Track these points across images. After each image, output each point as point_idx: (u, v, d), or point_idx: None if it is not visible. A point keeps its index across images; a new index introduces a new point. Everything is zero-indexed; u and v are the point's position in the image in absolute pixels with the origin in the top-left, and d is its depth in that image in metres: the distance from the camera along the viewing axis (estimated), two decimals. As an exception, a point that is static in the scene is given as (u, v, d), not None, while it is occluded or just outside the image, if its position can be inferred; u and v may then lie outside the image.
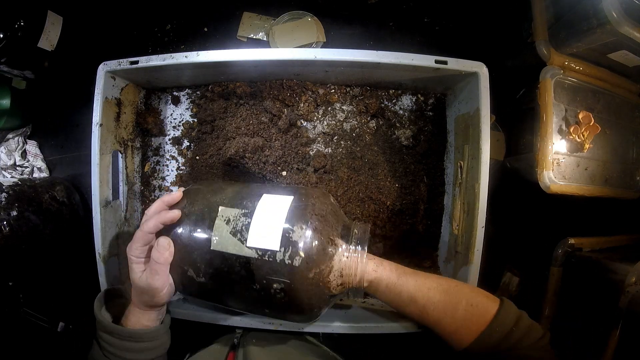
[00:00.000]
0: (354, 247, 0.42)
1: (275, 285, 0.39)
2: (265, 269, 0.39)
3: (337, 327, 0.54)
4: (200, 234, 0.42)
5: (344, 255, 0.42)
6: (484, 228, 0.52)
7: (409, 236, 0.65)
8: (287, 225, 0.40)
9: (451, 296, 0.41)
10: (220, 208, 0.43)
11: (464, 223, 0.57)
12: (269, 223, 0.40)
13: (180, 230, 0.43)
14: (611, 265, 0.60)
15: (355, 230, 0.44)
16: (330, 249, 0.41)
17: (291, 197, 0.43)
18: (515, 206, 0.76)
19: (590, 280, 0.62)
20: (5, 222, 0.60)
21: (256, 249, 0.40)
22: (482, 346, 0.39)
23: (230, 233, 0.41)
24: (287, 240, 0.39)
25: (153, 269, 0.42)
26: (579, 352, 0.64)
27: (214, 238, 0.41)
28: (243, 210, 0.42)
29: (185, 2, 0.78)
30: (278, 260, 0.39)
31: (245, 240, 0.40)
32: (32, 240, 0.64)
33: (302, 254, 0.39)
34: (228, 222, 0.41)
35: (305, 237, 0.39)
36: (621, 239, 0.74)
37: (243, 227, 0.41)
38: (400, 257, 0.65)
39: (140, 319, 0.46)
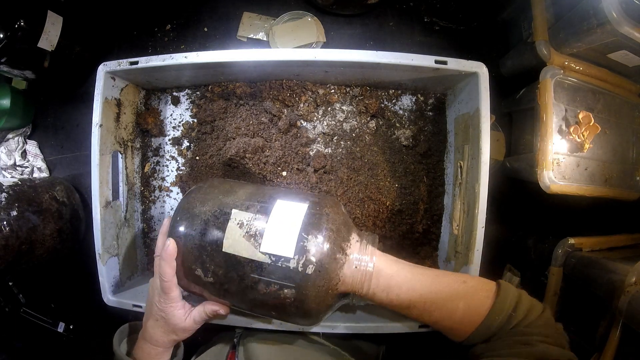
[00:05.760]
0: (362, 257, 0.43)
1: (285, 291, 0.40)
2: (278, 274, 0.40)
3: (338, 327, 0.54)
4: (211, 235, 0.42)
5: (353, 265, 0.42)
6: (484, 228, 0.52)
7: (409, 236, 0.65)
8: (302, 234, 0.41)
9: (449, 303, 0.41)
10: (233, 211, 0.43)
11: (464, 223, 0.57)
12: (283, 230, 0.41)
13: (190, 229, 0.43)
14: (611, 265, 0.60)
15: (364, 240, 0.44)
16: (341, 258, 0.42)
17: (306, 205, 0.43)
18: (515, 206, 0.76)
19: (590, 280, 0.62)
20: (5, 222, 0.60)
21: (270, 255, 0.40)
22: (482, 334, 0.40)
23: (243, 237, 0.41)
24: (301, 249, 0.40)
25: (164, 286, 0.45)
26: (579, 352, 0.64)
27: (226, 241, 0.41)
28: (257, 215, 0.42)
29: (185, 2, 0.78)
30: (291, 267, 0.40)
31: (259, 245, 0.41)
32: (32, 240, 0.64)
33: (315, 263, 0.40)
34: (241, 225, 0.42)
35: (319, 247, 0.40)
36: (621, 239, 0.73)
37: (257, 232, 0.41)
38: (400, 257, 0.65)
39: (158, 355, 0.48)
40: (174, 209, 0.50)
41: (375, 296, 0.43)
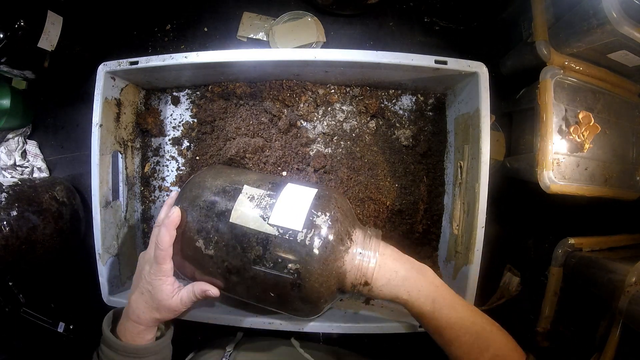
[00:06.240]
0: (365, 251, 0.43)
1: (290, 265, 0.40)
2: (284, 247, 0.40)
3: (338, 327, 0.54)
4: (219, 205, 0.43)
5: (358, 253, 0.42)
6: (484, 228, 0.52)
7: (409, 236, 0.65)
8: (311, 210, 0.42)
9: (480, 341, 0.40)
10: (245, 186, 0.44)
11: (464, 223, 0.57)
12: (294, 205, 0.42)
13: (199, 199, 0.44)
14: (611, 265, 0.60)
15: (369, 232, 0.45)
16: (347, 242, 0.42)
17: (315, 190, 0.45)
18: (515, 206, 0.76)
19: (590, 280, 0.62)
20: (5, 222, 0.60)
21: (278, 227, 0.41)
22: None
23: (252, 209, 0.42)
24: (310, 223, 0.41)
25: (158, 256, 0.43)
26: (579, 352, 0.64)
27: (234, 212, 0.42)
28: (268, 192, 0.44)
29: (185, 2, 0.78)
30: (298, 240, 0.40)
31: (268, 217, 0.41)
32: (32, 240, 0.64)
33: (322, 238, 0.40)
34: (252, 199, 0.43)
35: (328, 224, 0.41)
36: (621, 239, 0.74)
37: (267, 206, 0.42)
38: (400, 257, 0.65)
39: (140, 334, 0.46)
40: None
41: (420, 301, 0.41)
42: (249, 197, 0.43)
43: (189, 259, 0.44)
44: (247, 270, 0.42)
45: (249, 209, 0.42)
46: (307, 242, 0.40)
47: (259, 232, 0.41)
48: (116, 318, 0.49)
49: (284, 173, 0.62)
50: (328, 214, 0.42)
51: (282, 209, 0.42)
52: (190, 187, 0.45)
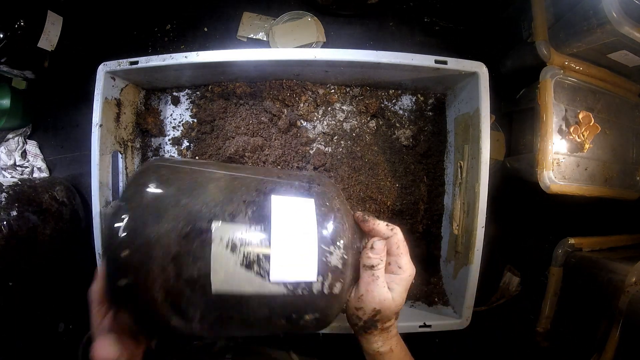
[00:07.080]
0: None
1: (307, 317, 0.32)
2: (298, 304, 0.32)
3: (338, 327, 0.54)
4: (186, 270, 0.29)
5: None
6: (484, 228, 0.52)
7: (409, 236, 0.65)
8: (321, 246, 0.32)
9: None
10: (213, 225, 0.30)
11: (464, 223, 0.57)
12: (296, 245, 0.31)
13: (149, 260, 0.28)
14: (611, 265, 0.60)
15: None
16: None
17: (311, 201, 0.34)
18: (515, 206, 0.76)
19: (590, 280, 0.62)
20: (5, 222, 0.60)
21: (285, 284, 0.31)
22: None
23: (241, 265, 0.30)
24: (324, 266, 0.32)
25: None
26: (579, 352, 0.64)
27: (215, 276, 0.29)
28: (251, 226, 0.31)
29: (185, 2, 0.78)
30: (315, 292, 0.31)
31: (267, 273, 0.30)
32: (32, 240, 0.64)
33: (343, 280, 0.32)
34: (233, 248, 0.30)
35: (343, 259, 0.32)
36: (621, 239, 0.74)
37: (260, 256, 0.30)
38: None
39: None
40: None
41: None
42: (227, 246, 0.29)
43: (172, 333, 0.31)
44: (250, 328, 0.34)
45: (235, 267, 0.29)
46: (325, 291, 0.32)
47: (260, 295, 0.31)
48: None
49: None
50: (340, 244, 0.33)
51: (283, 257, 0.31)
52: (126, 247, 0.28)
